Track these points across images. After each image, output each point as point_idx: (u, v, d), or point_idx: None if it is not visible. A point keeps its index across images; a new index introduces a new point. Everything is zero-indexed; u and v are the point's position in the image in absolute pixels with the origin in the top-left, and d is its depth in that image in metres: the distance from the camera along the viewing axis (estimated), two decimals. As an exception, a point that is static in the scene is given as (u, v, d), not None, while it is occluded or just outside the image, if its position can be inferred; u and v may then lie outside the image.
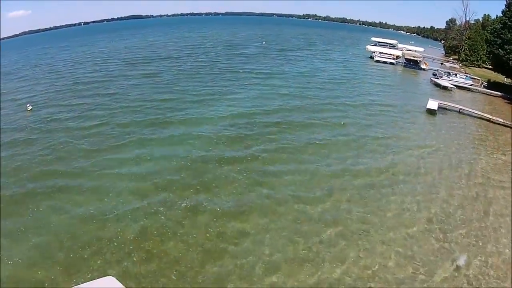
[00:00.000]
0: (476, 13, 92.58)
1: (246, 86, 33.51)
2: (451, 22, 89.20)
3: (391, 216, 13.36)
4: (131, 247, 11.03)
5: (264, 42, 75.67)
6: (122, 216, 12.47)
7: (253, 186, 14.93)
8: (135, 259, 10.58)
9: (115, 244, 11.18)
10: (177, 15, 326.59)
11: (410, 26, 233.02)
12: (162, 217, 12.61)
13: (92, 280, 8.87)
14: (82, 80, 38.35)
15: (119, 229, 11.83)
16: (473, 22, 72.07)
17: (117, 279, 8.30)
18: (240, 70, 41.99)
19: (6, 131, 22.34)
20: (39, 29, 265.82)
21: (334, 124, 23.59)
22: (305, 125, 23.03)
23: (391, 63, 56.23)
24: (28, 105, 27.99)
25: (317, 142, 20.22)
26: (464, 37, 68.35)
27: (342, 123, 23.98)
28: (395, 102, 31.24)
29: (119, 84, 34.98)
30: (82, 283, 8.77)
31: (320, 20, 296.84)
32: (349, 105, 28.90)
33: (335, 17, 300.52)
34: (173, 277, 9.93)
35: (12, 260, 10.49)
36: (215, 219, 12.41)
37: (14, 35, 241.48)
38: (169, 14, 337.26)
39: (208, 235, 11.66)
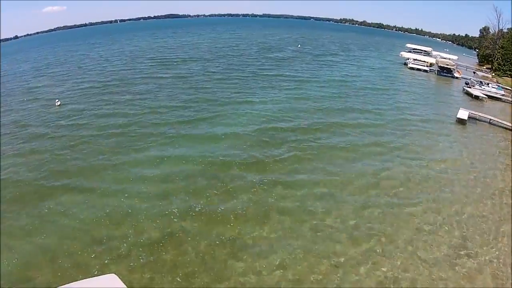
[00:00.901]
0: (509, 22, 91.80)
1: (277, 94, 33.38)
2: (484, 31, 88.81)
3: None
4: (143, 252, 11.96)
5: (299, 46, 77.55)
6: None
7: (273, 225, 13.99)
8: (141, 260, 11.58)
9: (126, 245, 12.27)
10: (214, 15, 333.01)
11: (446, 33, 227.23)
12: (175, 222, 13.76)
13: (93, 277, 9.31)
14: (110, 79, 39.31)
15: (130, 237, 12.69)
16: (506, 30, 71.56)
17: (118, 277, 8.55)
18: (272, 75, 42.01)
19: (33, 126, 24.41)
20: (75, 24, 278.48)
21: (371, 144, 22.68)
22: (340, 148, 21.98)
23: (425, 71, 57.00)
24: (56, 100, 29.46)
25: (352, 167, 19.22)
26: (497, 46, 68.25)
27: (379, 142, 23.25)
28: (430, 114, 31.83)
29: (146, 86, 35.18)
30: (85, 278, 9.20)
31: (356, 25, 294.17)
32: (384, 118, 28.61)
33: (371, 22, 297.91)
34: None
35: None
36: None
37: (49, 30, 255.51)
38: (206, 14, 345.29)
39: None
